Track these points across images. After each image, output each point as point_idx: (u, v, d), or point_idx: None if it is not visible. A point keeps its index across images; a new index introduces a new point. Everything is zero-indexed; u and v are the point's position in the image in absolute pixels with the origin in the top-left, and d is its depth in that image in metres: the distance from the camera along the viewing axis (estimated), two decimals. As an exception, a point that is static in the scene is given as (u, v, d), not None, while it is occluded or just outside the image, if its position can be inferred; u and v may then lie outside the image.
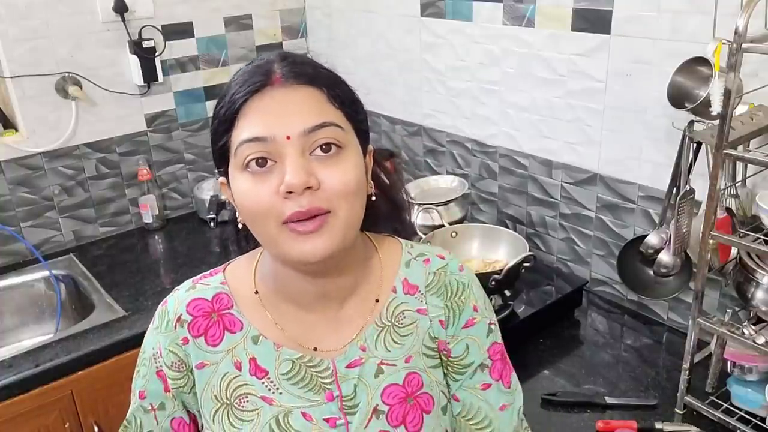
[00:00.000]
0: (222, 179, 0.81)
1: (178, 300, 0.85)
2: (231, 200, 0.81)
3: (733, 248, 1.29)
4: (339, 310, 0.85)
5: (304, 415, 0.81)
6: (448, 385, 0.89)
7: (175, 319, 0.83)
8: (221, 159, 0.78)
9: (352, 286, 0.85)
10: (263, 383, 0.82)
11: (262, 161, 0.72)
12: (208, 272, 0.89)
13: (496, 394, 0.89)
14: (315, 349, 0.84)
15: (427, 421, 0.83)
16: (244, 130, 0.73)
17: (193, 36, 2.15)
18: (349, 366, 0.83)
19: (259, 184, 0.73)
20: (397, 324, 0.85)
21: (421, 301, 0.86)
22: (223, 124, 0.75)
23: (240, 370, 0.83)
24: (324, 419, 0.81)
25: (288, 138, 0.72)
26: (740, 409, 1.24)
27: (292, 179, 0.70)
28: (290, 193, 0.71)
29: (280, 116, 0.72)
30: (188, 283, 0.87)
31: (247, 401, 0.82)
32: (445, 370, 0.88)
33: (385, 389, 0.83)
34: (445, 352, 0.87)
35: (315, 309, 0.84)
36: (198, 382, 0.83)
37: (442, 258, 0.90)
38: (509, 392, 0.90)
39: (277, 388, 0.82)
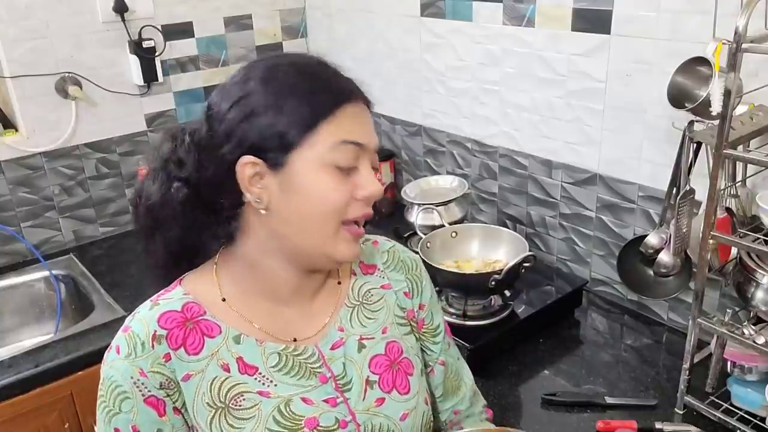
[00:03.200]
0: (257, 160, 0.78)
1: (144, 320, 0.82)
2: (262, 187, 0.79)
3: (733, 248, 1.29)
4: (311, 303, 0.90)
5: (304, 400, 0.84)
6: (423, 351, 1.00)
7: (151, 338, 0.80)
8: (288, 143, 0.77)
9: (323, 279, 0.92)
10: (256, 379, 0.83)
11: (353, 163, 0.80)
12: (162, 291, 0.87)
13: (454, 349, 1.06)
14: (294, 340, 0.87)
15: (412, 382, 0.93)
16: (345, 130, 0.79)
17: (193, 36, 2.16)
18: (332, 348, 0.89)
19: (341, 182, 0.79)
20: (366, 302, 0.94)
21: (383, 277, 0.97)
22: (317, 113, 0.77)
23: (229, 371, 0.82)
24: (323, 400, 0.85)
25: (374, 152, 0.83)
26: (740, 409, 1.24)
27: (380, 189, 0.82)
28: (364, 197, 0.81)
29: (369, 130, 0.83)
30: (147, 303, 0.85)
31: (244, 399, 0.82)
32: (419, 336, 0.99)
33: (371, 360, 0.90)
34: (415, 322, 0.98)
35: (290, 303, 0.88)
36: (187, 395, 0.81)
37: (388, 240, 1.02)
38: (454, 343, 1.07)
39: (271, 381, 0.84)
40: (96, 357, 1.54)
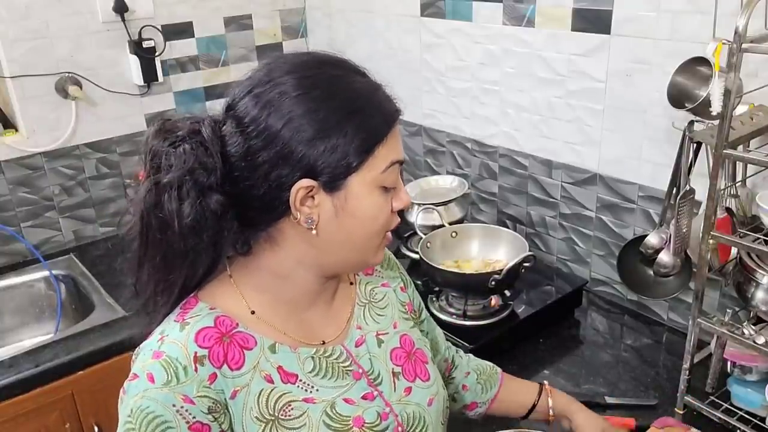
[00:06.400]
0: (313, 183, 0.76)
1: (178, 342, 0.76)
2: (313, 206, 0.78)
3: (733, 248, 1.29)
4: (331, 303, 0.91)
5: (346, 401, 0.84)
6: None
7: (193, 361, 0.75)
8: (348, 167, 0.77)
9: (338, 281, 0.94)
10: (298, 386, 0.82)
11: (397, 182, 0.82)
12: (181, 310, 0.81)
13: (430, 319, 1.11)
14: (323, 343, 0.87)
15: (430, 369, 0.96)
16: (394, 151, 0.80)
17: (193, 36, 2.16)
18: (356, 345, 0.90)
19: (386, 200, 0.81)
20: (373, 300, 0.97)
21: (381, 276, 1.01)
22: (375, 137, 0.78)
23: (273, 382, 0.80)
24: (362, 397, 0.86)
25: None
26: (740, 409, 1.24)
27: (410, 200, 0.86)
28: (399, 209, 0.84)
29: (401, 144, 0.84)
30: (173, 324, 0.79)
31: (292, 409, 0.80)
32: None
33: (391, 354, 0.93)
34: (414, 312, 1.03)
35: (313, 306, 0.88)
36: (234, 413, 0.77)
37: None
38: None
39: (312, 386, 0.83)
40: (96, 357, 1.55)
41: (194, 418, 0.74)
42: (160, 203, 0.75)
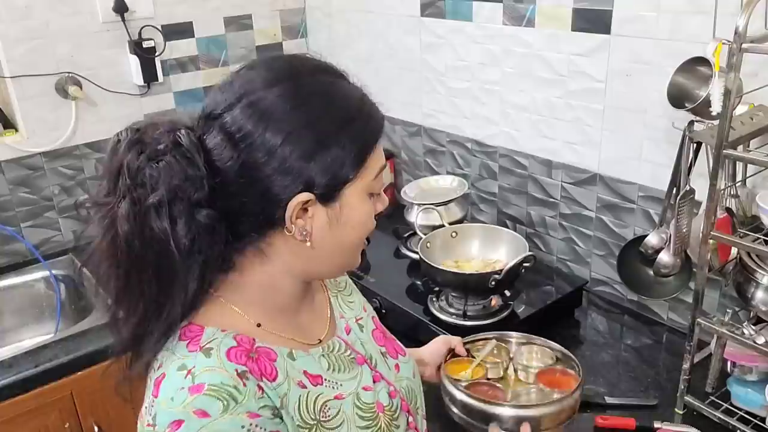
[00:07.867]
0: (311, 196, 0.75)
1: (213, 367, 0.72)
2: (306, 218, 0.76)
3: (733, 248, 1.29)
4: (313, 302, 0.93)
5: (365, 388, 0.86)
6: None
7: (238, 378, 0.72)
8: (345, 178, 0.76)
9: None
10: (326, 386, 0.83)
11: (381, 187, 0.83)
12: (188, 340, 0.76)
13: None
14: (320, 341, 0.88)
15: (402, 345, 1.01)
16: (380, 157, 0.81)
17: (193, 36, 2.16)
18: (347, 333, 0.93)
19: (372, 205, 0.82)
20: (339, 289, 1.00)
21: None
22: (368, 146, 0.78)
23: (305, 387, 0.80)
24: (372, 380, 0.89)
25: None
26: (740, 409, 1.24)
27: (387, 201, 0.86)
28: (380, 211, 0.84)
29: None
30: (193, 355, 0.74)
31: (329, 408, 0.81)
32: None
33: (373, 335, 0.97)
34: None
35: (301, 309, 0.89)
36: (287, 422, 0.76)
37: None
38: None
39: (336, 383, 0.84)
40: (96, 357, 1.55)
41: (266, 430, 0.72)
42: (147, 222, 0.71)
